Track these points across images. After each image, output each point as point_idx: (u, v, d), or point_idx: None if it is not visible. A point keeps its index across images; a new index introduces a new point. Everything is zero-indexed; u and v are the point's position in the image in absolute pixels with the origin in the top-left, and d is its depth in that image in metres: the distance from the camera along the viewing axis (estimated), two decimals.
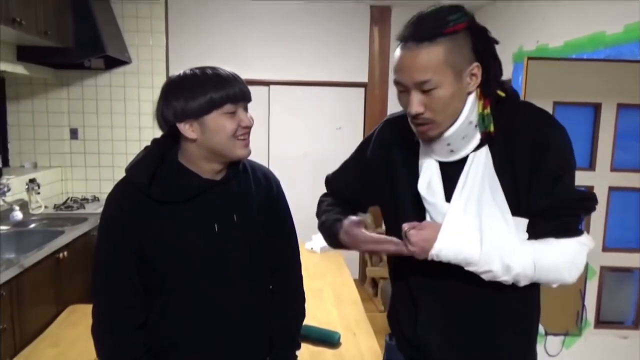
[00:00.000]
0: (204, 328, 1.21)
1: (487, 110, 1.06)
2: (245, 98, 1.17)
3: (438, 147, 1.10)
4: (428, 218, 1.12)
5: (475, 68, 1.04)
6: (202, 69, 1.15)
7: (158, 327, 1.21)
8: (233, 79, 1.15)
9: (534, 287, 1.16)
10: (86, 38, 3.35)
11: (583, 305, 2.23)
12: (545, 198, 1.06)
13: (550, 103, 2.16)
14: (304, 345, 1.65)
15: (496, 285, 1.09)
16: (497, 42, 1.07)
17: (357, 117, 4.50)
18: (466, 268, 1.07)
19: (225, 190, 1.23)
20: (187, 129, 1.13)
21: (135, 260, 1.17)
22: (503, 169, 1.07)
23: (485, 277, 1.07)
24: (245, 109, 1.18)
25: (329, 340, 1.91)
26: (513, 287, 1.09)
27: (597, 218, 2.20)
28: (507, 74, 3.60)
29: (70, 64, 3.72)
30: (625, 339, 2.24)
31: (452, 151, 1.09)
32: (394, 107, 4.41)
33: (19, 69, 3.28)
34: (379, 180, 1.24)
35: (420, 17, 1.02)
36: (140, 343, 1.20)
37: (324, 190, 1.41)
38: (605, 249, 2.22)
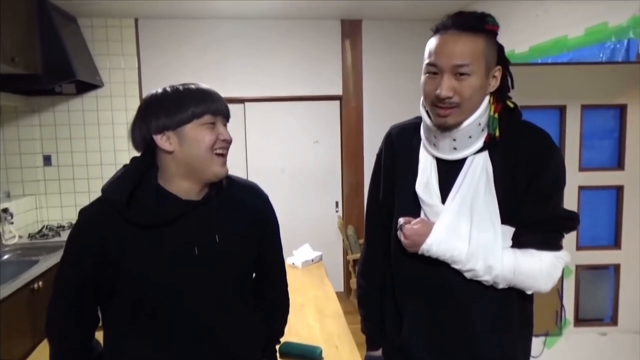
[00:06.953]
0: (184, 352, 1.17)
1: (497, 115, 1.13)
2: (224, 114, 1.17)
3: (443, 144, 1.15)
4: (422, 215, 1.19)
5: (498, 71, 1.13)
6: (184, 84, 1.15)
7: (135, 354, 1.17)
8: (214, 94, 1.16)
9: (519, 297, 1.19)
10: (55, 63, 3.30)
11: (562, 305, 2.25)
12: (536, 212, 1.13)
13: None
14: None
15: (476, 292, 1.15)
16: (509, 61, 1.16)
17: (333, 130, 4.52)
18: (452, 265, 1.14)
19: (206, 211, 1.18)
20: (163, 141, 1.11)
21: (94, 276, 1.16)
22: (501, 178, 1.13)
23: (467, 275, 1.14)
24: (225, 126, 1.18)
25: (310, 356, 1.89)
26: (492, 295, 1.15)
27: None
28: None
29: (41, 90, 3.65)
30: (605, 335, 2.27)
31: (455, 149, 1.14)
32: (369, 118, 4.45)
33: None
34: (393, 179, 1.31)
35: (461, 13, 1.10)
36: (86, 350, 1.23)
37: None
38: (579, 247, 2.25)
